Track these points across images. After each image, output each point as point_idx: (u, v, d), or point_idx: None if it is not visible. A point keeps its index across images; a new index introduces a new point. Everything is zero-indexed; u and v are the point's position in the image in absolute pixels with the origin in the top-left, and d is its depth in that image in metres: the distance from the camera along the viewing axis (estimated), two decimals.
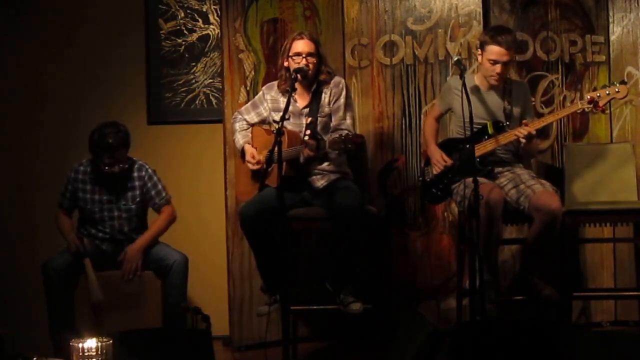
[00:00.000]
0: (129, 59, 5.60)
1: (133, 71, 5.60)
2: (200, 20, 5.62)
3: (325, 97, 4.75)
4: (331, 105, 4.75)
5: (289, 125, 4.68)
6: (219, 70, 5.50)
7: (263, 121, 4.88)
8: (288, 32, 5.09)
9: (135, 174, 4.85)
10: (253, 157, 4.76)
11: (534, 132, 4.66)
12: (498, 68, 4.71)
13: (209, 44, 5.62)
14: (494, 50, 4.68)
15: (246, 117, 4.90)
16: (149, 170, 4.88)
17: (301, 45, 4.69)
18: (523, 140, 4.67)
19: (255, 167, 4.74)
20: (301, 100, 4.78)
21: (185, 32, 5.62)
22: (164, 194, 4.90)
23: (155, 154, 5.43)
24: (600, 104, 4.72)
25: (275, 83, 4.84)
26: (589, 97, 4.73)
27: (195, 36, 5.62)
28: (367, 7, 5.26)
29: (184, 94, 5.62)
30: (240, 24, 5.19)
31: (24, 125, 5.57)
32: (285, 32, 5.17)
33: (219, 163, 5.23)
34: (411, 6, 5.27)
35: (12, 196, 5.54)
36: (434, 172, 4.87)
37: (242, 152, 4.84)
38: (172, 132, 5.62)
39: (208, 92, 5.62)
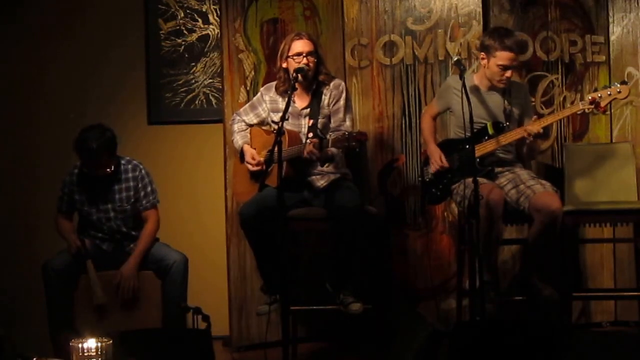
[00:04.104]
0: (129, 59, 5.60)
1: (133, 71, 5.60)
2: (200, 20, 5.62)
3: (325, 99, 4.75)
4: (331, 107, 4.75)
5: (288, 125, 4.67)
6: (218, 70, 5.49)
7: (262, 122, 4.88)
8: (288, 32, 5.08)
9: (130, 175, 4.84)
10: (253, 158, 4.76)
11: (541, 131, 4.67)
12: (509, 72, 4.70)
13: (208, 44, 5.61)
14: (505, 57, 4.66)
15: (245, 118, 4.90)
16: (143, 171, 4.86)
17: (301, 45, 4.69)
18: (530, 138, 4.67)
19: (255, 168, 4.74)
20: (300, 101, 4.78)
21: (185, 32, 5.62)
22: (151, 197, 4.85)
23: (155, 154, 5.44)
24: (602, 104, 4.70)
25: (274, 84, 4.84)
26: (590, 97, 4.71)
27: (194, 36, 5.62)
28: (366, 7, 5.26)
29: (183, 94, 5.61)
30: (240, 24, 5.19)
31: (24, 126, 5.57)
32: (285, 32, 5.16)
33: (219, 163, 5.22)
34: (411, 6, 5.26)
35: (12, 196, 5.53)
36: (431, 171, 4.87)
37: (241, 153, 4.84)
38: (171, 132, 5.62)
39: (208, 92, 5.62)
